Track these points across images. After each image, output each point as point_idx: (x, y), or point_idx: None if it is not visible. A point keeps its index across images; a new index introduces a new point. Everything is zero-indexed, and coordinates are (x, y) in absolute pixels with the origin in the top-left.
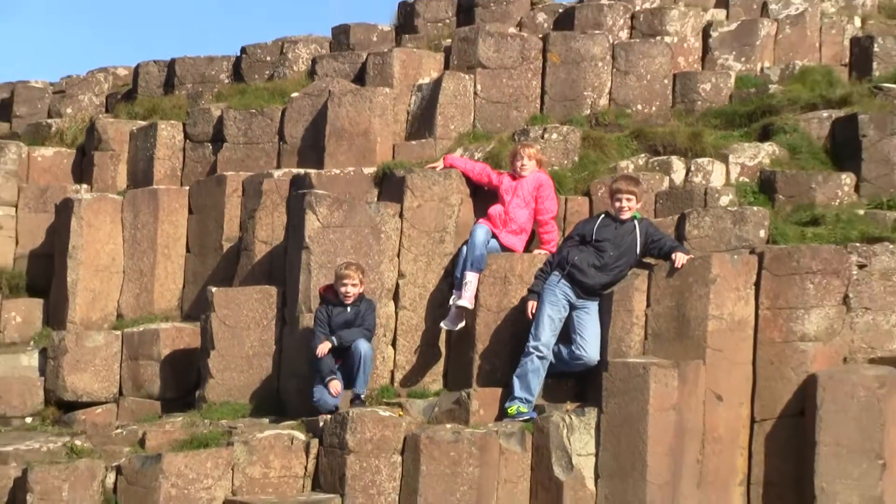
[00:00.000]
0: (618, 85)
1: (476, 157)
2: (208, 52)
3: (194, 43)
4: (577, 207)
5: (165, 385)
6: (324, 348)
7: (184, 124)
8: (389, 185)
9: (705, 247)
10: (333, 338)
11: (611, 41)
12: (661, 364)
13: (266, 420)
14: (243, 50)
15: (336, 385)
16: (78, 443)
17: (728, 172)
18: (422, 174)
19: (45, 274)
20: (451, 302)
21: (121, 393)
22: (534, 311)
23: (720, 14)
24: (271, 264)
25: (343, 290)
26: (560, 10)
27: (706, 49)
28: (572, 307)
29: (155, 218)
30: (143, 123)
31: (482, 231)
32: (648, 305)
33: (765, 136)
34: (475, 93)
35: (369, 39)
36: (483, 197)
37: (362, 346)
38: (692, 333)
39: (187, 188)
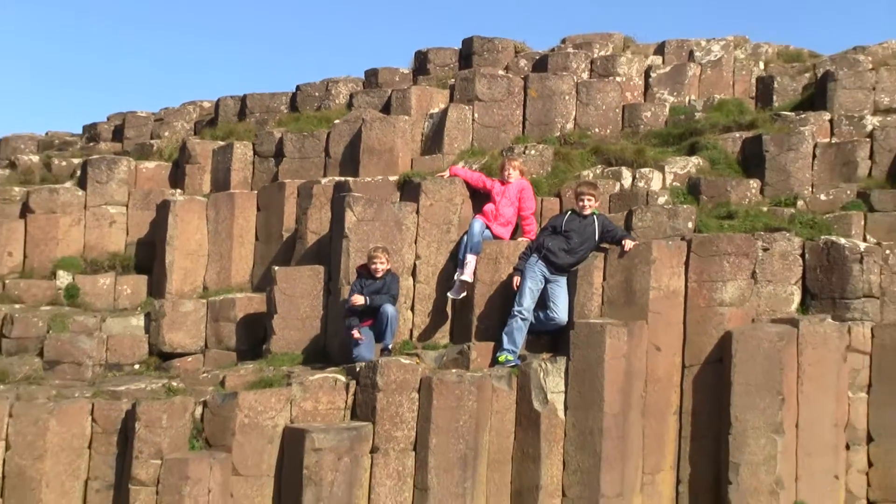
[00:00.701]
0: (580, 113)
1: (474, 168)
2: (272, 89)
3: (262, 81)
4: (551, 206)
5: (240, 340)
6: (357, 299)
7: (253, 144)
8: (409, 190)
9: (647, 235)
10: (364, 297)
11: (575, 80)
12: (614, 324)
13: (315, 366)
14: (298, 87)
15: (355, 333)
16: (174, 384)
17: (664, 179)
18: (433, 181)
19: (148, 257)
20: (455, 277)
21: (206, 346)
22: (518, 285)
23: (658, 59)
24: (319, 249)
25: (373, 266)
26: (537, 57)
27: (647, 86)
28: (547, 281)
29: (231, 214)
30: (222, 143)
31: (478, 224)
32: (604, 279)
33: (692, 151)
34: (473, 119)
35: (393, 79)
36: (479, 198)
37: (389, 308)
38: (637, 301)
39: (256, 192)
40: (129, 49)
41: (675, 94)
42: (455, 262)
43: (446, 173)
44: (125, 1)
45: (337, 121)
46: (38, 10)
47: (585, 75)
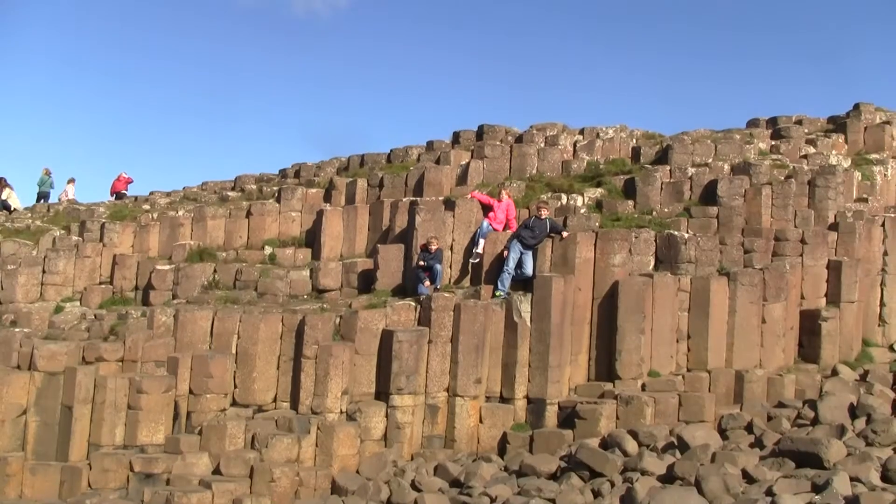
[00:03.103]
0: (540, 165)
1: (484, 193)
2: (378, 150)
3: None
4: (524, 213)
5: (360, 283)
6: (420, 261)
7: (367, 180)
8: (449, 205)
9: (575, 229)
10: (425, 261)
11: (537, 148)
12: (557, 276)
13: (400, 298)
14: (391, 150)
15: (425, 281)
16: (325, 306)
17: (584, 200)
18: (462, 200)
19: (312, 239)
20: (473, 251)
21: (342, 286)
22: (506, 255)
23: (580, 136)
24: (402, 236)
25: (430, 247)
26: (517, 135)
27: (575, 151)
28: (522, 253)
29: (356, 217)
30: (351, 179)
31: (485, 223)
32: (552, 253)
33: (598, 185)
34: (483, 168)
35: (441, 146)
36: (487, 209)
37: (438, 267)
38: (570, 264)
39: (368, 206)
40: (306, 124)
41: (589, 155)
42: (473, 242)
43: (469, 196)
44: (305, 100)
45: (412, 168)
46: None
47: (542, 145)
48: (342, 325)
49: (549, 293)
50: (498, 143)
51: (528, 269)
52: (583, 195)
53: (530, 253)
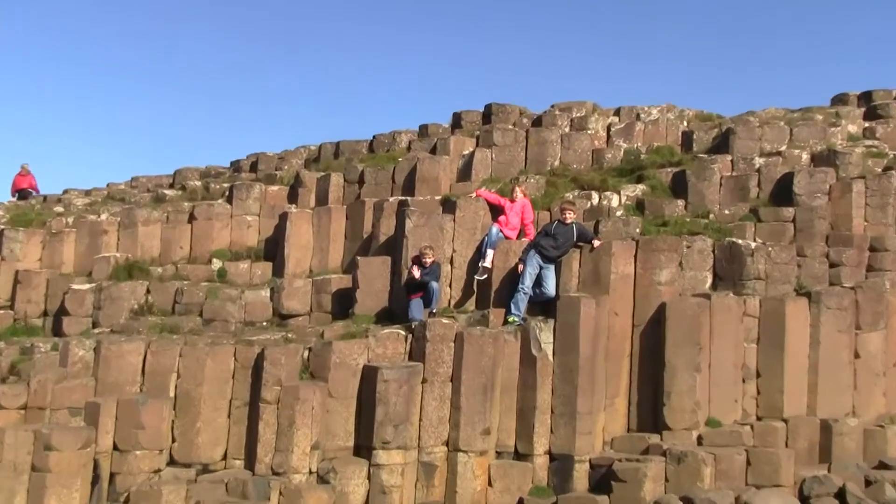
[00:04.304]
0: (564, 155)
1: (492, 191)
2: (357, 137)
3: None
4: (544, 217)
5: (334, 306)
6: (414, 271)
7: (343, 174)
8: (448, 205)
9: (609, 237)
10: (419, 272)
11: (560, 133)
12: (587, 296)
13: (384, 325)
14: (374, 137)
15: (414, 270)
16: (289, 335)
17: (620, 199)
18: (465, 200)
19: (273, 249)
20: (479, 264)
21: (311, 310)
22: (521, 269)
23: (615, 119)
24: (388, 246)
25: (424, 259)
26: (535, 117)
27: (609, 137)
28: (541, 267)
29: (329, 222)
30: (323, 174)
31: (495, 228)
32: (580, 267)
33: (639, 180)
34: (491, 159)
35: (438, 131)
36: (495, 211)
37: (434, 284)
38: (603, 281)
39: (345, 207)
40: (264, 106)
41: (627, 142)
42: (479, 254)
43: (474, 194)
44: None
45: (400, 159)
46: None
47: (567, 129)
48: (312, 359)
49: (577, 319)
50: (510, 126)
51: (550, 287)
52: (619, 193)
53: (552, 267)
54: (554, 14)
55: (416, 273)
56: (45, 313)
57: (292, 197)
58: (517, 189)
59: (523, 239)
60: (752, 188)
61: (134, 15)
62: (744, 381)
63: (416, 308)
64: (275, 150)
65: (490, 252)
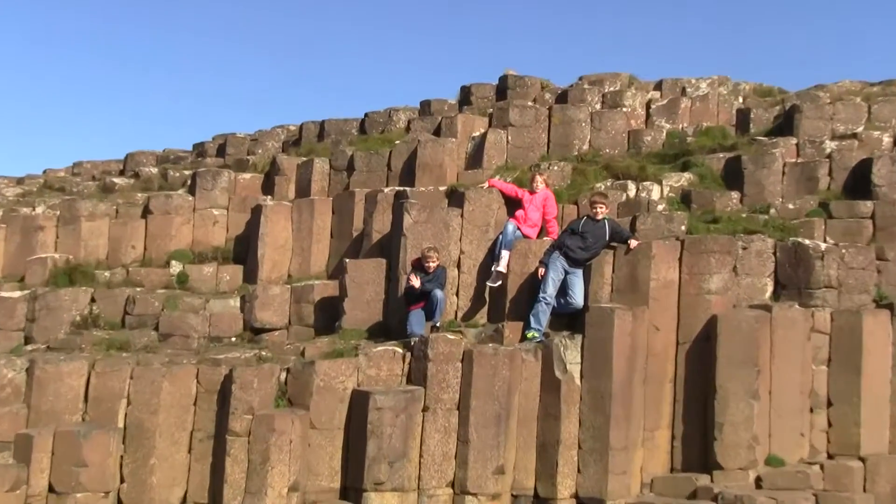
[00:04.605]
0: (594, 137)
1: (508, 180)
2: (345, 115)
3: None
4: (569, 212)
5: (317, 318)
6: (413, 279)
7: (329, 160)
8: (455, 198)
9: (648, 236)
10: (417, 278)
11: (590, 110)
12: (622, 308)
13: (378, 341)
14: (366, 115)
15: (413, 279)
16: (263, 353)
17: (662, 191)
18: (475, 191)
19: (244, 250)
20: (493, 269)
21: (290, 323)
22: (542, 275)
23: (656, 94)
24: (382, 246)
25: (427, 264)
26: (559, 92)
27: (648, 115)
28: (566, 273)
29: (311, 216)
30: (305, 159)
31: (511, 225)
32: (613, 272)
33: (684, 168)
34: (507, 142)
35: (442, 108)
36: (512, 204)
37: (438, 293)
38: (640, 289)
39: (331, 199)
40: (232, 79)
41: (670, 122)
42: (492, 256)
43: (486, 184)
44: (230, 49)
45: (397, 142)
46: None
47: (598, 106)
48: (290, 383)
49: (610, 334)
50: (530, 103)
51: (578, 296)
52: (661, 183)
53: (580, 272)
54: None
55: (416, 282)
56: None
57: (268, 187)
58: (538, 178)
59: (545, 238)
60: (822, 177)
61: None
62: (812, 410)
63: (417, 321)
64: (247, 131)
65: (505, 254)
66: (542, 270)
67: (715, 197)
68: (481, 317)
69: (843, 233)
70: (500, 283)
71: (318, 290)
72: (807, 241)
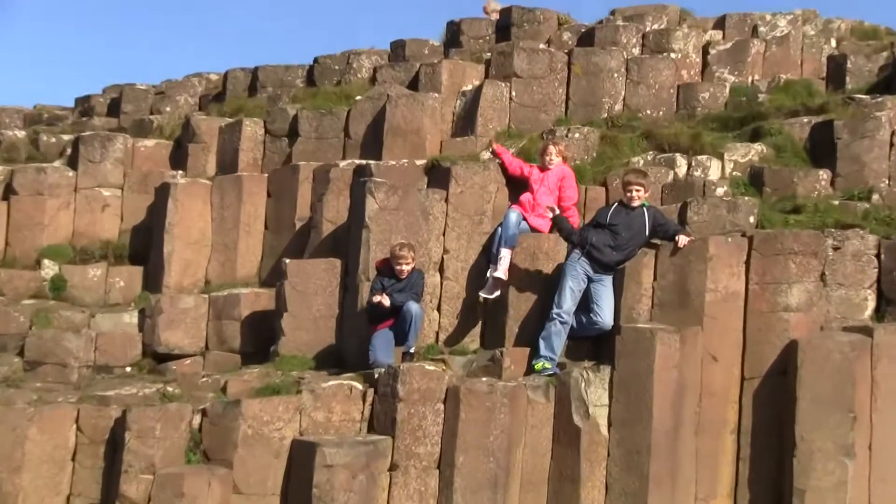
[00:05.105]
0: (630, 93)
1: (512, 151)
2: (286, 61)
3: (276, 53)
4: (595, 196)
5: (245, 341)
6: (383, 299)
7: (265, 122)
8: (437, 175)
9: (703, 231)
10: (386, 296)
11: (625, 56)
12: (666, 329)
13: (329, 372)
14: (316, 60)
15: (382, 299)
16: (170, 389)
17: (723, 168)
18: (464, 165)
19: (144, 246)
20: (488, 274)
21: (207, 347)
22: (559, 283)
23: (717, 35)
24: (336, 240)
25: (398, 267)
26: (582, 30)
27: (705, 64)
28: (590, 280)
29: (238, 200)
30: (230, 120)
31: (514, 214)
32: (655, 279)
33: (754, 137)
34: (510, 98)
35: (422, 52)
36: (515, 186)
37: (413, 306)
38: (692, 304)
39: (266, 175)
40: (129, 15)
41: (736, 73)
42: (488, 257)
43: (490, 150)
44: None
45: (359, 97)
46: None
47: (637, 51)
48: (207, 431)
49: (650, 367)
50: (543, 46)
51: (605, 313)
52: (722, 158)
53: (609, 280)
54: None
55: (386, 301)
56: None
57: (178, 159)
58: (551, 149)
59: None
60: None
61: None
62: None
63: (383, 345)
64: (150, 81)
65: (506, 254)
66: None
67: (796, 177)
68: (472, 340)
69: None
70: (497, 293)
71: (246, 301)
72: None
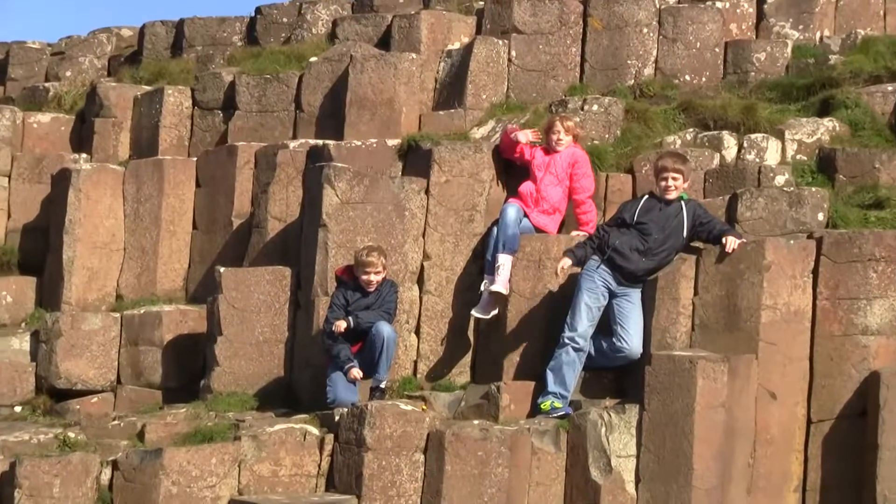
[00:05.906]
0: (664, 53)
1: (516, 125)
2: (220, 12)
3: (205, 3)
4: (619, 186)
5: (167, 373)
6: (340, 325)
7: (192, 90)
8: (415, 159)
9: (759, 230)
10: (350, 318)
11: (657, 5)
12: (710, 358)
13: (277, 413)
14: (258, 10)
15: (355, 373)
16: (71, 435)
17: (784, 150)
18: (450, 147)
19: (39, 250)
20: (482, 287)
21: (119, 381)
22: (564, 267)
23: None
24: (285, 243)
25: (365, 278)
26: None
27: (761, 15)
28: (612, 295)
29: (160, 191)
30: (148, 89)
31: (513, 210)
32: (696, 294)
33: (824, 110)
34: (509, 60)
35: (395, 1)
36: (515, 174)
37: (384, 329)
38: (744, 325)
39: (195, 159)
40: None
41: (800, 27)
42: (480, 265)
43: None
44: None
45: (314, 59)
46: None
47: (672, 0)
48: (120, 488)
49: (690, 406)
50: None
51: (631, 337)
52: (782, 137)
53: (637, 294)
54: None
55: (341, 327)
56: None
57: (81, 139)
58: (558, 126)
59: (574, 232)
60: None
61: None
62: None
63: (345, 379)
64: (45, 39)
65: (505, 261)
66: (567, 262)
67: (878, 162)
68: (460, 372)
69: None
70: (494, 312)
71: (169, 322)
72: None
